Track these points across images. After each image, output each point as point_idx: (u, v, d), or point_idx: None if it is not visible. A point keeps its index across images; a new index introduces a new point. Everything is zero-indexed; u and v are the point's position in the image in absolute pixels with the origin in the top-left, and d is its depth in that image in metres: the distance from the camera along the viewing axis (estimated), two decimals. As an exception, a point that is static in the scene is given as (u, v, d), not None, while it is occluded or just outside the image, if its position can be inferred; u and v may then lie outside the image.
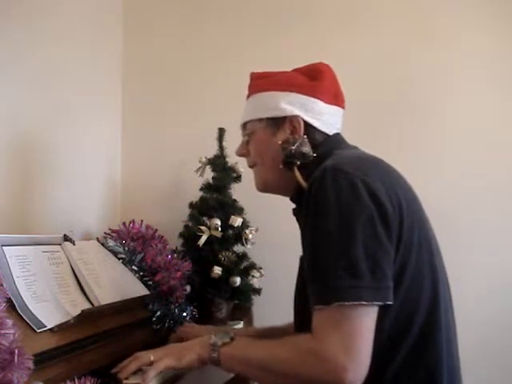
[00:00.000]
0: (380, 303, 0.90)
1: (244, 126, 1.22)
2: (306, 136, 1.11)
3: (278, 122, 1.14)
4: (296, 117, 1.12)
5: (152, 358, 1.05)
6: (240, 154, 1.26)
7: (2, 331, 0.81)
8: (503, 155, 1.84)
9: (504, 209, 1.84)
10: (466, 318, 1.66)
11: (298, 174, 1.10)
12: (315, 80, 1.14)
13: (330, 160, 1.02)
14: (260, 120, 1.17)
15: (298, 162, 1.10)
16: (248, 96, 1.22)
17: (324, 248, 0.92)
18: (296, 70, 1.19)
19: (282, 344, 0.97)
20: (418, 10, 1.90)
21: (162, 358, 1.04)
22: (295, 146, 1.09)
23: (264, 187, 1.21)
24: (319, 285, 0.92)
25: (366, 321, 0.89)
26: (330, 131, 1.14)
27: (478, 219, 1.84)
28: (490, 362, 1.80)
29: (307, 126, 1.12)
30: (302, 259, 1.07)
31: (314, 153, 1.10)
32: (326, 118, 1.13)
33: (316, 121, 1.13)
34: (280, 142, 1.12)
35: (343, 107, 1.19)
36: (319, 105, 1.13)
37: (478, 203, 1.84)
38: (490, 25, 1.86)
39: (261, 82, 1.20)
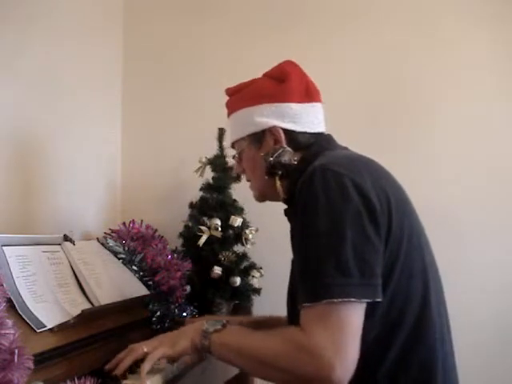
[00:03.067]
0: (369, 300, 0.91)
1: (233, 145, 1.26)
2: (290, 144, 1.12)
3: (258, 137, 1.15)
4: (274, 127, 1.13)
5: (145, 349, 1.05)
6: (237, 172, 1.30)
7: (2, 331, 0.81)
8: (503, 155, 1.84)
9: (503, 208, 1.84)
10: (465, 318, 1.67)
11: (278, 184, 1.12)
12: (282, 83, 1.14)
13: (318, 160, 1.03)
14: (243, 138, 1.19)
15: (280, 172, 1.12)
16: (228, 115, 1.24)
17: (313, 247, 0.93)
18: (265, 75, 1.20)
19: (273, 336, 0.98)
20: (417, 10, 1.90)
21: (156, 348, 1.05)
22: (274, 156, 1.11)
23: (261, 198, 1.24)
24: (309, 283, 0.93)
25: (354, 318, 0.90)
26: (312, 129, 1.14)
27: (477, 219, 1.84)
28: (489, 362, 1.80)
29: (287, 132, 1.13)
30: (293, 262, 1.08)
31: (303, 155, 1.11)
32: (303, 118, 1.14)
33: (294, 124, 1.13)
34: (262, 155, 1.14)
35: (319, 100, 1.18)
36: (292, 107, 1.13)
37: (477, 203, 1.84)
38: (489, 25, 1.86)
39: (234, 100, 1.22)
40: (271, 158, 1.11)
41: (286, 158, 1.11)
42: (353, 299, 0.89)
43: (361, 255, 0.91)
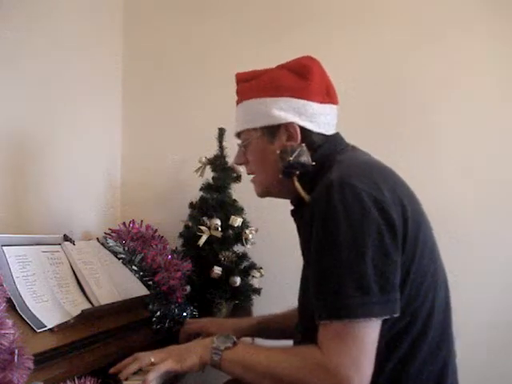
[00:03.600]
0: (388, 316, 0.91)
1: (238, 135, 1.20)
2: (303, 143, 1.08)
3: (273, 130, 1.11)
4: (291, 123, 1.09)
5: (153, 360, 1.04)
6: (238, 162, 1.23)
7: (2, 331, 0.81)
8: (503, 155, 1.84)
9: (504, 208, 1.83)
10: (465, 318, 1.67)
11: (297, 184, 1.08)
12: (305, 79, 1.09)
13: (334, 171, 0.99)
14: (254, 129, 1.13)
15: (298, 172, 1.08)
16: (237, 102, 1.18)
17: (333, 263, 0.92)
18: (283, 67, 1.14)
19: (289, 354, 0.98)
20: (417, 10, 1.90)
21: (163, 361, 1.04)
22: (293, 156, 1.06)
23: (265, 194, 1.19)
24: (328, 300, 0.92)
25: (371, 334, 0.90)
26: (327, 130, 1.12)
27: (477, 218, 1.84)
28: (489, 362, 1.80)
29: (303, 130, 1.09)
30: (304, 268, 1.07)
31: (313, 155, 1.08)
32: (321, 118, 1.10)
33: (311, 124, 1.09)
34: (278, 152, 1.09)
35: (336, 102, 1.16)
36: (313, 106, 1.09)
37: (478, 202, 1.84)
38: (489, 25, 1.85)
39: (248, 87, 1.15)
40: (291, 158, 1.06)
41: (305, 158, 1.06)
42: (374, 318, 0.89)
43: (381, 272, 0.91)
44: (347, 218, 0.91)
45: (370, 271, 0.89)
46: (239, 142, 1.21)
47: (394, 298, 0.92)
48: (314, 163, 1.07)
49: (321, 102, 1.11)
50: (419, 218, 1.03)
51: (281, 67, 1.15)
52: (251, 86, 1.15)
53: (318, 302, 0.94)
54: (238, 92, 1.19)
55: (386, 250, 0.92)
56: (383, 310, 0.90)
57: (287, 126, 1.09)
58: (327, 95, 1.12)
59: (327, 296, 0.92)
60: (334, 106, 1.15)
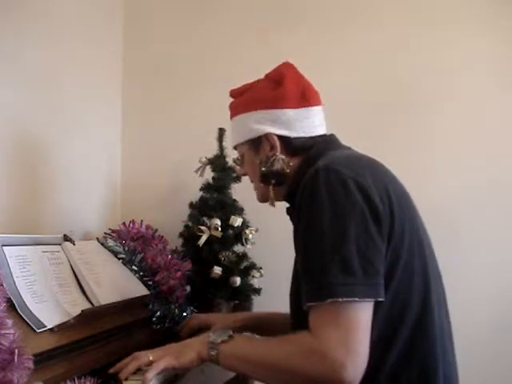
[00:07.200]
0: (372, 299, 0.92)
1: (235, 148, 1.27)
2: (283, 150, 1.13)
3: (255, 143, 1.17)
4: (268, 134, 1.13)
5: (151, 358, 1.05)
6: (241, 174, 1.33)
7: (2, 331, 0.81)
8: (503, 154, 1.84)
9: (503, 208, 1.83)
10: (465, 318, 1.67)
11: (271, 192, 1.15)
12: (278, 87, 1.14)
13: (321, 160, 1.03)
14: (242, 144, 1.20)
15: (273, 181, 1.14)
16: (230, 117, 1.25)
17: (317, 247, 0.94)
18: (266, 76, 1.20)
19: (282, 341, 0.98)
20: (417, 10, 1.90)
21: (161, 358, 1.04)
22: (266, 166, 1.13)
23: (263, 200, 1.24)
24: (313, 282, 0.93)
25: (361, 317, 0.90)
26: (308, 133, 1.14)
27: (477, 219, 1.84)
28: (489, 363, 1.80)
29: (282, 138, 1.13)
30: (296, 262, 1.08)
31: (303, 157, 1.12)
32: (297, 123, 1.13)
33: (288, 131, 1.13)
34: (257, 162, 1.16)
35: (316, 103, 1.17)
36: (286, 113, 1.13)
37: (477, 203, 1.84)
38: (489, 24, 1.86)
39: (235, 104, 1.22)
40: (263, 168, 1.14)
41: (278, 167, 1.12)
42: (357, 299, 0.89)
43: (364, 255, 0.92)
44: (331, 202, 0.93)
45: (353, 254, 0.91)
46: (237, 154, 1.27)
47: (378, 282, 0.93)
48: (288, 170, 1.12)
49: (295, 107, 1.14)
50: (406, 205, 1.04)
51: (264, 77, 1.21)
52: (237, 102, 1.22)
53: (305, 285, 0.95)
54: (229, 108, 1.25)
55: (369, 234, 0.93)
56: (367, 291, 0.91)
57: (267, 137, 1.14)
58: (303, 99, 1.15)
59: (312, 279, 0.93)
60: (312, 108, 1.16)
